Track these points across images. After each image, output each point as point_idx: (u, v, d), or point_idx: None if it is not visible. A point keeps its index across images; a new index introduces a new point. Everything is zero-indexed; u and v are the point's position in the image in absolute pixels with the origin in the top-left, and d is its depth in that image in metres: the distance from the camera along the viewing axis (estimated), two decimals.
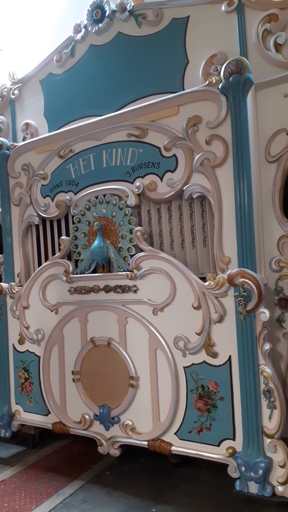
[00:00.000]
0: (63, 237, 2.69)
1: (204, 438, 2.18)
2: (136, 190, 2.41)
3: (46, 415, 2.73)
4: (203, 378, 2.19)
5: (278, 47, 2.23)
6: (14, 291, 2.87)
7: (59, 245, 2.71)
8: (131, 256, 2.40)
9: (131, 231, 2.41)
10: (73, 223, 2.67)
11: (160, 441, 2.29)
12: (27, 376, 2.83)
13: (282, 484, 1.95)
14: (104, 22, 2.74)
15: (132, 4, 2.65)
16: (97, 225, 2.48)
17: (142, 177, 2.40)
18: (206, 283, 2.16)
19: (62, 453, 2.77)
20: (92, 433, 2.52)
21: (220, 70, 2.15)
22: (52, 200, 2.76)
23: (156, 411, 2.30)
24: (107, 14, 2.73)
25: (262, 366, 2.01)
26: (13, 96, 3.22)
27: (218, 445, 2.13)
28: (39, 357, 2.77)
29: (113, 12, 2.71)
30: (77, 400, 2.58)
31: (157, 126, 2.34)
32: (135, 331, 2.37)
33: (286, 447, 1.97)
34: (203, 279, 2.20)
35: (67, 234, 2.73)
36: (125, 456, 2.47)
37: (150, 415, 2.32)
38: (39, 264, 2.87)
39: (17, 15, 4.03)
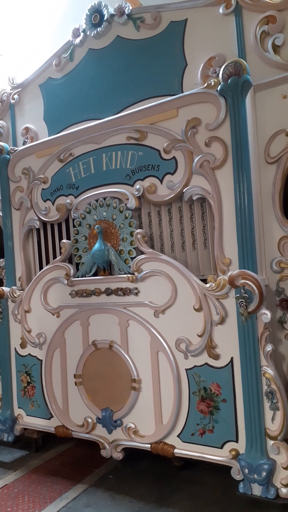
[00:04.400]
0: (64, 240, 2.69)
1: (207, 440, 2.17)
2: (136, 192, 2.42)
3: (49, 419, 2.72)
4: (205, 380, 2.18)
5: (276, 48, 2.24)
6: (15, 295, 2.87)
7: (60, 248, 2.71)
8: (132, 258, 2.40)
9: (131, 234, 2.42)
10: (74, 226, 2.68)
11: (163, 443, 2.29)
12: (29, 380, 2.83)
13: (286, 486, 1.94)
14: (102, 26, 2.75)
15: (130, 7, 2.67)
16: (98, 228, 2.48)
17: (142, 179, 2.41)
18: (207, 285, 2.16)
19: (65, 457, 2.76)
20: (94, 436, 2.52)
21: (219, 72, 2.16)
22: (53, 204, 2.76)
23: (159, 414, 2.30)
24: (105, 18, 2.74)
25: (264, 367, 2.01)
26: (13, 101, 3.23)
27: (221, 447, 2.13)
28: (41, 360, 2.77)
29: (112, 16, 2.72)
30: (80, 404, 2.57)
31: (157, 128, 2.34)
32: (137, 334, 2.37)
33: None
34: (204, 281, 2.20)
35: (68, 238, 2.73)
36: (128, 459, 2.47)
37: (152, 418, 2.32)
38: (40, 267, 2.87)
39: (16, 20, 4.05)
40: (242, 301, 2.03)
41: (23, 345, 2.86)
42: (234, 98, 2.09)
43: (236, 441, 2.09)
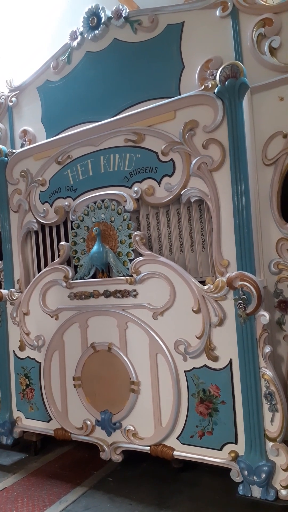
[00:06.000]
0: (62, 242, 2.69)
1: (206, 442, 2.17)
2: (134, 195, 2.42)
3: (48, 421, 2.72)
4: (204, 382, 2.18)
5: (273, 51, 2.25)
6: (14, 298, 2.87)
7: (59, 250, 2.71)
8: (130, 260, 2.40)
9: (130, 236, 2.42)
10: (72, 228, 2.68)
11: (162, 446, 2.28)
12: (28, 383, 2.83)
13: (286, 487, 1.95)
14: (100, 29, 2.76)
15: (128, 10, 2.67)
16: (96, 230, 2.48)
17: (140, 182, 2.41)
18: (206, 287, 2.16)
19: (64, 460, 2.76)
20: (94, 439, 2.51)
21: (216, 75, 2.16)
22: (51, 206, 2.76)
23: (158, 416, 2.30)
24: (102, 21, 2.74)
25: (263, 369, 2.01)
26: (11, 103, 3.23)
27: (221, 449, 2.13)
28: (40, 363, 2.76)
29: (109, 19, 2.73)
30: (79, 406, 2.57)
31: (154, 131, 2.35)
32: (136, 336, 2.37)
33: None
34: (203, 282, 2.20)
35: (66, 240, 2.73)
36: (128, 462, 2.46)
37: (151, 420, 2.32)
38: (39, 270, 2.87)
39: (14, 23, 4.06)
40: (241, 302, 2.04)
41: (21, 348, 2.85)
42: (231, 101, 2.10)
43: (236, 443, 2.09)
